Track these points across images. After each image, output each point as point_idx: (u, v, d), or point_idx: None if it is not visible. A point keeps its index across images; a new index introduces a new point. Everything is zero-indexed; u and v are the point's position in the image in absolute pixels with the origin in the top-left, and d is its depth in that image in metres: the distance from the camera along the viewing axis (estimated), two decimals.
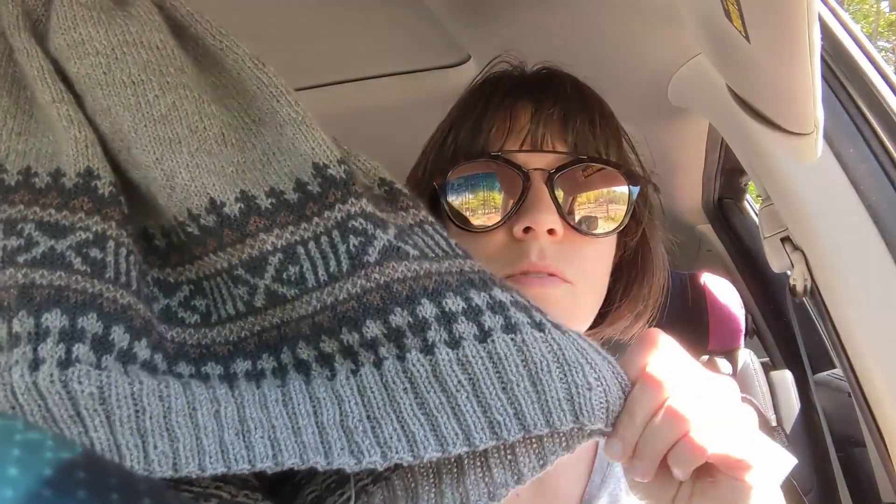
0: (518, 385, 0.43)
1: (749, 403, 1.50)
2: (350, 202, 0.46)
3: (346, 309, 0.44)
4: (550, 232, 0.61)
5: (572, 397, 0.43)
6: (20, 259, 0.41)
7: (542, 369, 0.43)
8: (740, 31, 0.48)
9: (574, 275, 0.63)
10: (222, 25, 0.49)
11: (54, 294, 0.40)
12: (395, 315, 0.44)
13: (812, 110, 0.51)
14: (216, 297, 0.48)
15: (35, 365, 0.38)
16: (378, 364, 0.44)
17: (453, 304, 0.44)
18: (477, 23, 0.87)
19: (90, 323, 0.40)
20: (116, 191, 0.45)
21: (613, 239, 0.68)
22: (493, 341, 0.43)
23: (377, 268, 0.44)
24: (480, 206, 0.65)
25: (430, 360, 0.43)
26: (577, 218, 0.64)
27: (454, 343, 0.43)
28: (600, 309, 0.70)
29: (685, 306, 1.63)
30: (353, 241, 0.45)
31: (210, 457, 0.40)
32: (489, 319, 0.44)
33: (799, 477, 1.30)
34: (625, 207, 0.66)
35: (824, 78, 0.70)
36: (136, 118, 0.45)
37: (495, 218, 0.64)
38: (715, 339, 1.66)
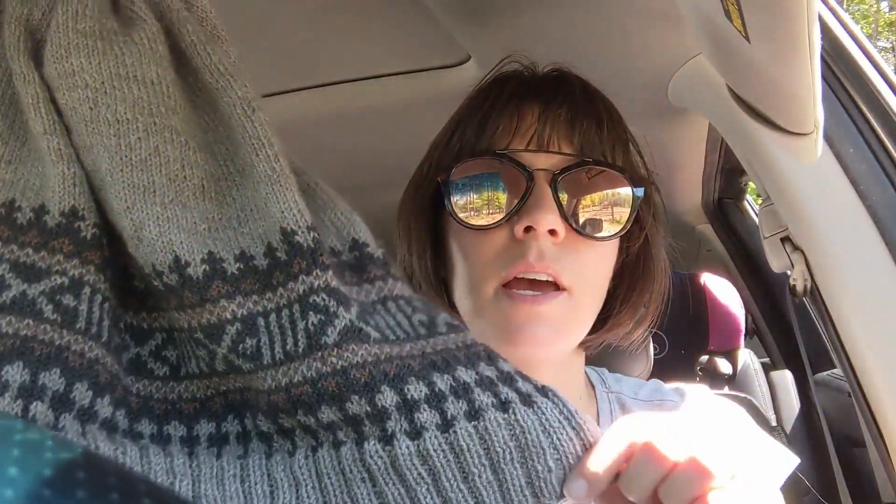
0: (480, 476, 0.41)
1: (749, 403, 1.50)
2: (315, 274, 0.43)
3: (300, 392, 0.42)
4: (552, 233, 0.61)
5: (532, 482, 0.42)
6: None
7: (503, 458, 0.42)
8: (740, 31, 0.48)
9: (571, 280, 0.62)
10: (222, 25, 0.48)
11: (19, 345, 0.38)
12: (353, 403, 0.41)
13: (812, 110, 0.51)
14: (184, 352, 0.46)
15: None
16: (337, 446, 0.43)
17: (415, 390, 0.42)
18: (477, 23, 0.87)
19: (52, 379, 0.38)
20: (100, 233, 0.43)
21: (615, 244, 0.68)
22: (455, 432, 0.42)
23: (335, 350, 0.42)
24: (483, 203, 0.64)
25: (389, 452, 0.41)
26: (579, 220, 0.63)
27: (415, 434, 0.41)
28: (600, 314, 0.69)
29: (685, 306, 1.64)
30: (313, 318, 0.42)
31: None
32: (452, 406, 0.42)
33: (799, 477, 1.30)
34: (628, 212, 0.65)
35: (824, 78, 0.71)
36: (113, 161, 0.42)
37: (497, 216, 0.63)
38: (715, 338, 1.66)
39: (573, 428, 0.43)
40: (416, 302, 0.48)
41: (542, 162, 0.63)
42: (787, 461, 0.71)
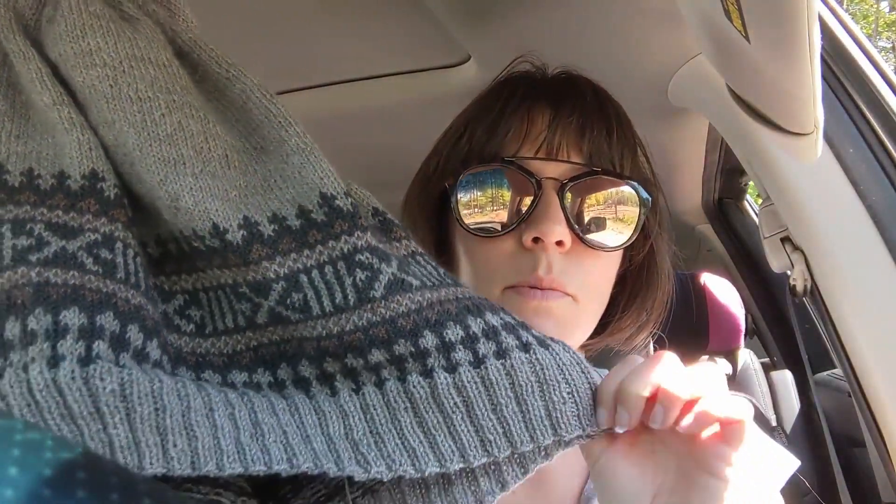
0: (507, 407, 0.46)
1: (748, 403, 1.49)
2: (357, 235, 0.47)
3: (352, 339, 0.46)
4: (559, 243, 0.61)
5: (550, 413, 0.47)
6: (32, 258, 0.41)
7: (526, 391, 0.47)
8: (740, 31, 0.48)
9: (576, 288, 0.63)
10: (223, 26, 0.49)
11: (70, 292, 0.40)
12: (399, 345, 0.46)
13: (812, 110, 0.51)
14: (213, 309, 0.49)
15: (55, 361, 0.38)
16: (380, 384, 0.47)
17: (453, 333, 0.47)
18: (477, 23, 0.87)
19: (108, 321, 0.40)
20: (121, 193, 0.45)
21: (619, 252, 0.68)
22: (485, 367, 0.47)
23: (383, 302, 0.46)
24: (490, 210, 0.65)
25: (430, 384, 0.46)
26: (586, 230, 0.64)
27: (451, 368, 0.46)
28: (603, 318, 0.70)
29: (685, 306, 1.63)
30: (360, 275, 0.46)
31: (228, 457, 0.40)
32: (483, 346, 0.47)
33: (799, 477, 1.30)
34: (634, 223, 0.66)
35: (824, 78, 0.71)
36: (141, 136, 0.44)
37: (505, 224, 0.64)
38: (715, 339, 1.66)
39: (582, 370, 0.48)
40: (434, 261, 0.53)
41: (551, 170, 0.63)
42: (788, 463, 0.71)
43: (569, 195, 0.63)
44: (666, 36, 0.86)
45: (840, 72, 0.82)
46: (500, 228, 0.64)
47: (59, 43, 0.45)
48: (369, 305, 0.46)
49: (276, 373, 0.48)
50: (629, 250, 0.70)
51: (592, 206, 0.64)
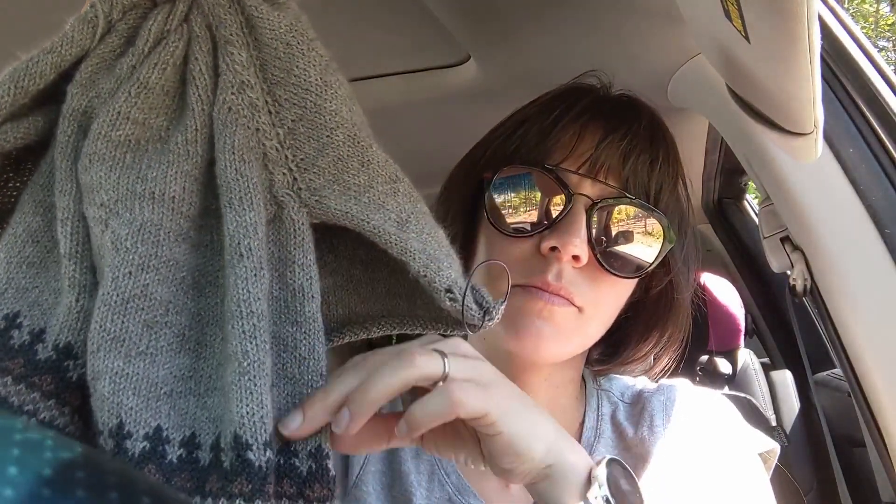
0: None
1: (748, 403, 1.50)
2: None
3: None
4: (575, 258, 0.62)
5: None
6: None
7: None
8: (740, 31, 0.48)
9: (584, 302, 0.64)
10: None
11: None
12: None
13: (812, 110, 0.51)
14: None
15: None
16: None
17: None
18: (477, 23, 0.87)
19: None
20: None
21: (635, 279, 0.69)
22: None
23: None
24: (518, 212, 0.66)
25: None
26: (605, 252, 0.64)
27: None
28: (616, 346, 0.71)
29: None
30: None
31: None
32: None
33: (799, 477, 1.30)
34: (655, 255, 0.67)
35: (824, 78, 0.70)
36: (103, 295, 0.38)
37: (528, 227, 0.65)
38: (715, 338, 1.65)
39: None
40: None
41: (587, 188, 0.65)
42: (769, 448, 0.72)
43: (596, 215, 0.64)
44: (666, 36, 0.86)
45: (840, 72, 0.82)
46: (522, 231, 0.65)
47: (79, 172, 0.40)
48: None
49: None
50: (646, 280, 0.71)
51: (618, 231, 0.65)
